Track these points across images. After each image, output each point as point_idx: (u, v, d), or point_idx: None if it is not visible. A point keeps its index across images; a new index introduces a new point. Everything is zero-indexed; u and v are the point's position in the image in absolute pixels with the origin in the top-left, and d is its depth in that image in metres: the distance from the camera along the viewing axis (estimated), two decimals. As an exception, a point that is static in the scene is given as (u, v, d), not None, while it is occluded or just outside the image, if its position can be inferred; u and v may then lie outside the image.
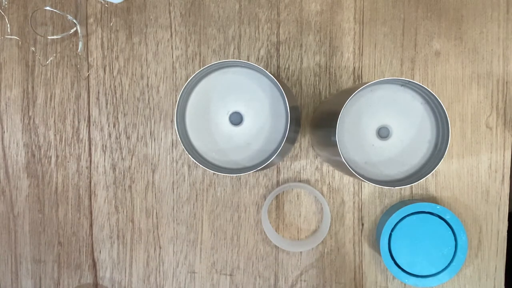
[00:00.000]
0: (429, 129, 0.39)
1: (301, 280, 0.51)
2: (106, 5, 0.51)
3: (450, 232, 0.47)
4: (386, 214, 0.50)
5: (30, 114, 0.52)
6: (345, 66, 0.51)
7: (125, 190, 0.52)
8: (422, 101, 0.38)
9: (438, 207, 0.47)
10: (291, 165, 0.51)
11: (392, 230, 0.47)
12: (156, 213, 0.52)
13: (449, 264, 0.47)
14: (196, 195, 0.51)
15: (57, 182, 0.52)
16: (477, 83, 0.50)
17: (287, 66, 0.51)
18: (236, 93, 0.37)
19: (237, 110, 0.37)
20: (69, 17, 0.51)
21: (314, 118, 0.49)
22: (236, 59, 0.51)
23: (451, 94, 0.50)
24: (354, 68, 0.51)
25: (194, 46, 0.51)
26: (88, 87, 0.52)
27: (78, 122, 0.52)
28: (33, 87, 0.52)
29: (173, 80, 0.51)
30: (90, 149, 0.52)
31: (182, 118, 0.37)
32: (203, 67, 0.37)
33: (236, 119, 0.37)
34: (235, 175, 0.43)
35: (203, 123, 0.37)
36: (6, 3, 0.52)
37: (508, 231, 0.51)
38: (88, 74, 0.52)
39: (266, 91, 0.37)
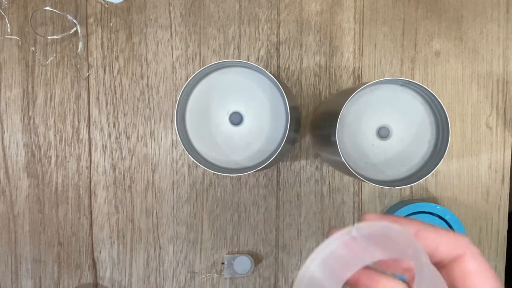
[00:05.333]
0: (429, 129, 0.39)
1: (301, 280, 0.51)
2: (106, 5, 0.51)
3: (450, 232, 0.47)
4: (386, 214, 0.50)
5: (30, 114, 0.52)
6: (345, 66, 0.51)
7: (125, 190, 0.52)
8: (422, 101, 0.38)
9: (438, 207, 0.47)
10: (291, 165, 0.51)
11: (392, 230, 0.47)
12: (156, 213, 0.52)
13: (449, 264, 0.47)
14: (196, 195, 0.51)
15: (57, 182, 0.52)
16: (477, 83, 0.50)
17: (287, 66, 0.51)
18: (236, 93, 0.37)
19: (237, 110, 0.37)
20: (69, 17, 0.51)
21: (314, 118, 0.49)
22: (236, 59, 0.51)
23: (451, 94, 0.50)
24: (354, 68, 0.51)
25: (194, 46, 0.51)
26: (88, 87, 0.52)
27: (78, 122, 0.52)
28: (33, 87, 0.52)
29: (173, 80, 0.51)
30: (90, 149, 0.52)
31: (182, 118, 0.37)
32: (203, 67, 0.37)
33: (236, 119, 0.37)
34: (235, 175, 0.43)
35: (203, 123, 0.37)
36: (6, 3, 0.52)
37: (508, 231, 0.51)
38: (88, 74, 0.52)
39: (266, 91, 0.37)
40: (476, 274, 0.24)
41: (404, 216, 0.26)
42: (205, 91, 0.37)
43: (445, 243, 0.24)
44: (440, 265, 0.25)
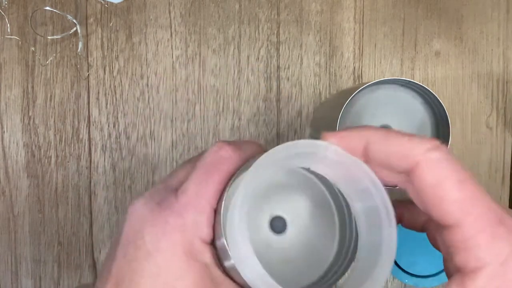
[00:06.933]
0: (429, 129, 0.39)
1: (301, 280, 0.51)
2: (106, 5, 0.51)
3: (450, 232, 0.47)
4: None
5: (30, 114, 0.52)
6: (345, 66, 0.51)
7: (125, 190, 0.52)
8: (422, 101, 0.39)
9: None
10: (291, 165, 0.51)
11: (392, 230, 0.47)
12: (156, 213, 0.52)
13: (449, 264, 0.47)
14: (196, 195, 0.51)
15: (57, 182, 0.52)
16: (477, 83, 0.50)
17: (287, 66, 0.51)
18: (283, 193, 0.29)
19: (281, 214, 0.29)
20: (69, 17, 0.51)
21: (314, 118, 0.49)
22: (236, 59, 0.51)
23: (451, 94, 0.50)
24: (354, 68, 0.51)
25: (194, 46, 0.51)
26: (88, 87, 0.52)
27: (78, 122, 0.52)
28: (33, 87, 0.52)
29: (173, 80, 0.51)
30: (90, 149, 0.52)
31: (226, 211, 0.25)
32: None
33: (279, 226, 0.29)
34: None
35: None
36: (6, 3, 0.52)
37: (508, 231, 0.51)
38: (88, 74, 0.52)
39: (316, 199, 0.29)
40: (431, 188, 0.19)
41: (356, 127, 0.23)
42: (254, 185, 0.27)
43: (394, 155, 0.21)
44: (406, 179, 0.21)
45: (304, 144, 0.23)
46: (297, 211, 0.28)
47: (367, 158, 0.22)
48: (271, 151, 0.23)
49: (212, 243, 0.25)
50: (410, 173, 0.20)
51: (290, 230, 0.28)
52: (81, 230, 0.52)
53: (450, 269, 0.21)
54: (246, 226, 0.22)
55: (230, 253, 0.22)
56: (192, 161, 0.27)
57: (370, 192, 0.24)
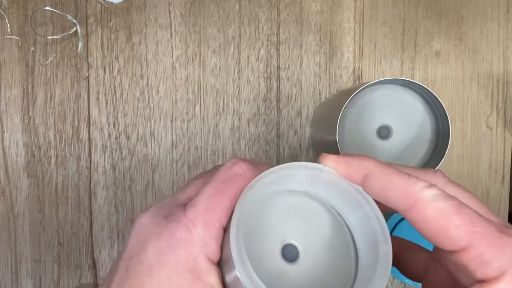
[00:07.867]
0: (429, 129, 0.39)
1: (301, 280, 0.51)
2: (106, 5, 0.51)
3: (450, 232, 0.47)
4: (386, 214, 0.50)
5: (30, 114, 0.52)
6: (345, 66, 0.51)
7: (125, 190, 0.52)
8: (422, 101, 0.39)
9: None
10: (291, 165, 0.51)
11: (392, 230, 0.47)
12: (156, 213, 0.52)
13: (449, 264, 0.47)
14: (196, 195, 0.51)
15: (57, 182, 0.52)
16: (477, 83, 0.50)
17: (287, 66, 0.51)
18: (295, 220, 0.27)
19: (293, 242, 0.26)
20: (69, 17, 0.51)
21: (314, 118, 0.49)
22: (236, 60, 0.51)
23: (451, 94, 0.50)
24: (354, 68, 0.51)
25: (194, 46, 0.51)
26: (88, 87, 0.52)
27: (78, 122, 0.52)
28: (33, 87, 0.52)
29: (173, 80, 0.51)
30: (90, 149, 0.52)
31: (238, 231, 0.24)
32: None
33: (291, 254, 0.26)
34: None
35: (250, 246, 0.25)
36: (6, 3, 0.51)
37: (508, 231, 0.50)
38: (88, 74, 0.52)
39: (331, 227, 0.27)
40: (434, 220, 0.21)
41: (357, 156, 0.24)
42: (259, 214, 0.26)
43: (393, 191, 0.22)
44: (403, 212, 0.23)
45: (297, 166, 0.24)
46: (310, 239, 0.26)
47: (365, 189, 0.24)
48: (264, 173, 0.23)
49: (219, 265, 0.23)
50: (409, 209, 0.22)
51: (303, 259, 0.26)
52: (81, 230, 0.52)
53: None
54: (243, 246, 0.22)
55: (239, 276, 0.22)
56: (203, 177, 0.26)
57: (366, 213, 0.24)
